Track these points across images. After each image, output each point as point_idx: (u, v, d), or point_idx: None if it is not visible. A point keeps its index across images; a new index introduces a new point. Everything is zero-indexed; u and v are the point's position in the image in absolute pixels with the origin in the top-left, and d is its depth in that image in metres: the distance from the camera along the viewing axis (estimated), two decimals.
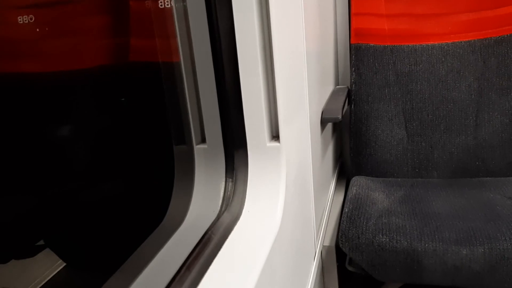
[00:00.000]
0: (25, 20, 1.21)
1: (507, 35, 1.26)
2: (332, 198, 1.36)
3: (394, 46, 1.31)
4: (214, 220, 0.66)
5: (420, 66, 1.30)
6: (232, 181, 0.70)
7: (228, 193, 0.69)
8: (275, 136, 0.71)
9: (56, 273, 1.19)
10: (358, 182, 1.21)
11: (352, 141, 1.36)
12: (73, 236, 1.02)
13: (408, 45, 1.31)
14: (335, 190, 1.43)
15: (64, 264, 1.20)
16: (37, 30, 1.19)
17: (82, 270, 1.16)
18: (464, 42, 1.28)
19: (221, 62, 0.69)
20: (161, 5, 1.04)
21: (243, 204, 0.67)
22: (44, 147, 1.00)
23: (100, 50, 1.15)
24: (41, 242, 1.11)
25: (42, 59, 1.13)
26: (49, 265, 1.20)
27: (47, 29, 1.18)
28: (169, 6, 0.82)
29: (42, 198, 1.01)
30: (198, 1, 0.69)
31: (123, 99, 1.05)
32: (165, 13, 0.79)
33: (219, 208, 0.68)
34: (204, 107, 0.72)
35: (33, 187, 1.01)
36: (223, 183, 0.70)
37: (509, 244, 0.89)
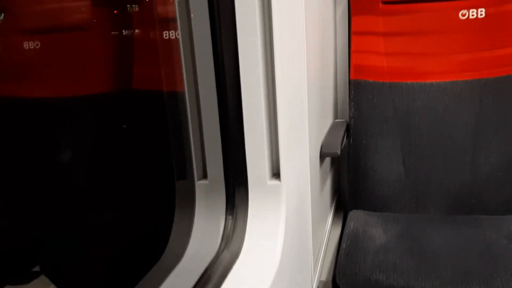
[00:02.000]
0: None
1: (503, 76, 1.29)
2: (329, 231, 1.36)
3: (392, 83, 1.34)
4: (213, 258, 0.66)
5: (418, 103, 1.32)
6: (232, 218, 0.70)
7: (228, 230, 0.69)
8: (276, 174, 0.71)
9: None
10: (356, 217, 1.21)
11: (350, 175, 1.36)
12: (70, 265, 1.01)
13: (407, 83, 1.33)
14: (332, 223, 1.43)
15: None
16: (42, 56, 1.21)
17: None
18: (461, 81, 1.31)
19: (225, 98, 0.70)
20: (166, 36, 1.06)
21: (243, 242, 0.68)
22: (44, 175, 1.00)
23: (102, 76, 1.16)
24: (37, 268, 1.10)
25: (47, 84, 1.14)
26: None
27: (53, 55, 1.19)
28: (174, 37, 0.83)
29: (42, 224, 1.01)
30: (204, 35, 0.70)
31: (124, 126, 1.06)
32: (171, 44, 0.81)
33: (218, 245, 0.68)
34: (207, 142, 0.73)
35: (33, 213, 1.01)
36: (223, 220, 0.70)
37: (505, 285, 0.89)
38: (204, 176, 0.73)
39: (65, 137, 1.04)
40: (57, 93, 1.12)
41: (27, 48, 1.20)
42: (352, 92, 1.36)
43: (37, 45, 1.20)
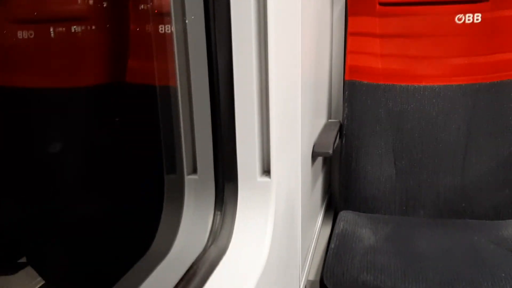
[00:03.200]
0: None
1: (497, 81, 1.29)
2: (319, 231, 1.36)
3: (387, 85, 1.34)
4: (200, 253, 0.65)
5: (412, 105, 1.32)
6: (220, 214, 0.70)
7: (216, 226, 0.69)
8: (266, 171, 0.71)
9: None
10: (346, 217, 1.22)
11: (341, 175, 1.36)
12: (56, 257, 1.00)
13: (401, 85, 1.33)
14: (322, 223, 1.43)
15: (43, 282, 1.17)
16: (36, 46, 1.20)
17: None
18: (455, 85, 1.31)
19: (218, 95, 0.70)
20: (162, 30, 1.05)
21: (230, 238, 0.67)
22: (33, 165, 0.99)
23: (96, 69, 1.16)
24: (23, 260, 1.09)
25: (39, 74, 1.13)
26: (28, 282, 1.17)
27: (46, 45, 1.18)
28: (169, 31, 0.82)
29: (28, 215, 1.00)
30: (198, 32, 0.70)
31: (117, 119, 1.05)
32: (165, 38, 0.80)
33: (206, 241, 0.68)
34: (198, 137, 0.72)
35: (19, 204, 1.00)
36: (212, 215, 0.70)
37: None
38: (194, 170, 0.73)
39: (54, 127, 1.03)
40: (49, 84, 1.11)
41: (21, 38, 1.18)
42: (346, 92, 1.36)
43: (31, 34, 1.19)
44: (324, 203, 1.51)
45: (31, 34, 1.18)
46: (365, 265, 0.98)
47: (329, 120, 1.50)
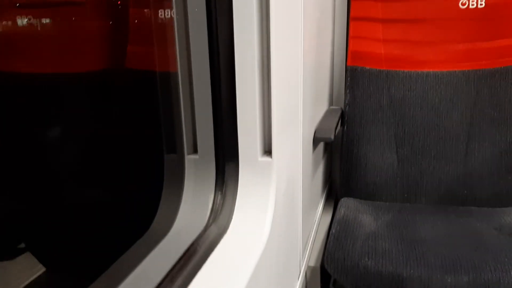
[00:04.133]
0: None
1: (501, 67, 1.28)
2: (319, 218, 1.36)
3: (389, 71, 1.33)
4: (200, 232, 0.64)
5: (414, 92, 1.31)
6: (221, 194, 0.69)
7: (217, 205, 0.68)
8: (267, 151, 0.70)
9: (35, 278, 1.16)
10: (347, 204, 1.21)
11: (342, 162, 1.36)
12: (55, 240, 0.99)
13: (403, 71, 1.32)
14: (323, 210, 1.42)
15: (44, 269, 1.17)
16: (35, 30, 1.19)
17: (62, 275, 1.13)
18: (459, 71, 1.30)
19: (218, 74, 0.69)
20: (162, 15, 1.04)
21: (231, 218, 0.67)
22: (29, 149, 0.98)
23: (96, 54, 1.15)
24: (22, 245, 1.08)
25: (36, 59, 1.12)
26: (28, 268, 1.17)
27: (44, 30, 1.17)
28: (170, 16, 0.82)
29: (26, 200, 0.99)
30: (199, 13, 0.69)
31: (116, 103, 1.04)
32: (166, 23, 0.79)
33: (206, 220, 0.67)
34: (198, 117, 0.72)
35: (17, 189, 0.99)
36: (212, 195, 0.69)
37: (494, 275, 0.89)
38: (194, 150, 0.72)
39: (54, 112, 1.02)
40: (48, 69, 1.10)
41: (20, 23, 1.17)
42: (348, 79, 1.35)
43: (29, 19, 1.18)
44: (325, 190, 1.51)
45: (29, 19, 1.17)
46: (366, 250, 0.98)
47: (331, 107, 1.49)
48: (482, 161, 1.26)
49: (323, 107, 1.36)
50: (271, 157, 0.69)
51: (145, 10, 1.21)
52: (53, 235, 0.97)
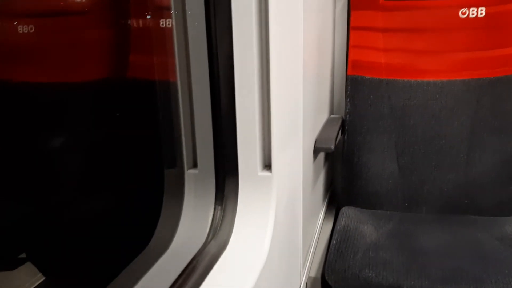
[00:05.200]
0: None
1: (501, 76, 1.28)
2: (320, 227, 1.35)
3: (389, 80, 1.33)
4: (200, 248, 0.64)
5: (415, 101, 1.31)
6: (221, 209, 0.69)
7: (217, 220, 0.68)
8: (267, 165, 0.70)
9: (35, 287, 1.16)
10: (348, 213, 1.21)
11: (343, 171, 1.35)
12: (56, 252, 0.99)
13: (404, 80, 1.32)
14: (324, 219, 1.42)
15: (43, 278, 1.17)
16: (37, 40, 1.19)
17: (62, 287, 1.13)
18: (459, 80, 1.30)
19: (218, 88, 0.69)
20: (162, 25, 1.05)
21: (231, 233, 0.66)
22: (31, 160, 0.98)
23: (95, 64, 1.15)
24: (23, 255, 1.08)
25: (38, 69, 1.12)
26: (29, 278, 1.17)
27: (46, 40, 1.17)
28: (170, 26, 0.81)
29: (28, 210, 0.99)
30: (199, 26, 0.69)
31: (117, 114, 1.04)
32: (165, 32, 0.79)
33: (206, 235, 0.67)
34: (198, 131, 0.72)
35: (19, 200, 0.99)
36: (212, 210, 0.69)
37: (496, 286, 0.89)
38: (194, 165, 0.72)
39: (54, 122, 1.02)
40: (49, 78, 1.10)
41: (21, 32, 1.18)
42: (349, 88, 1.35)
43: (31, 29, 1.18)
44: (326, 199, 1.50)
45: (31, 29, 1.17)
46: (367, 262, 0.97)
47: (331, 116, 1.49)
48: (483, 170, 1.26)
49: (324, 116, 1.36)
50: (271, 172, 0.68)
51: (145, 20, 1.21)
52: (53, 249, 0.97)
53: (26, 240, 1.04)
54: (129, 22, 1.19)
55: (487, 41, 1.29)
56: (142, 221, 0.77)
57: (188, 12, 0.69)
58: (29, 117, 0.99)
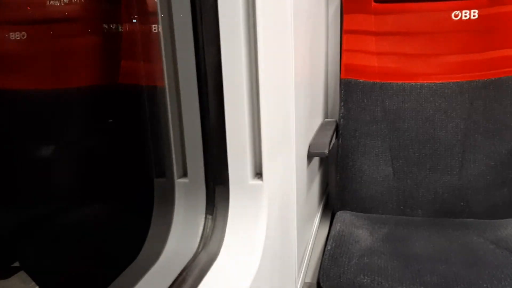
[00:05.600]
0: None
1: (494, 78, 1.27)
2: (316, 232, 1.35)
3: (383, 83, 1.32)
4: (191, 259, 0.64)
5: (408, 104, 1.31)
6: (211, 218, 0.68)
7: (207, 230, 0.67)
8: (258, 173, 0.69)
9: None
10: (343, 218, 1.20)
11: (338, 175, 1.35)
12: (49, 261, 0.98)
13: (397, 83, 1.32)
14: (319, 224, 1.41)
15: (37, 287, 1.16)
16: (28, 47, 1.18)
17: None
18: (452, 83, 1.29)
19: (207, 96, 0.68)
20: (149, 30, 1.04)
21: (222, 243, 0.66)
22: (23, 168, 0.97)
23: (81, 70, 1.14)
24: (16, 264, 1.07)
25: (27, 76, 1.12)
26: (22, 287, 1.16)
27: (37, 47, 1.16)
28: (156, 31, 0.81)
29: (20, 220, 0.98)
30: (186, 32, 0.68)
31: (106, 122, 1.03)
32: (152, 38, 0.79)
33: (196, 246, 0.66)
34: (188, 140, 0.71)
35: (11, 208, 0.98)
36: (203, 219, 0.68)
37: None
38: (184, 174, 0.71)
39: (43, 130, 1.01)
40: (39, 85, 1.09)
41: (13, 39, 1.17)
42: (343, 91, 1.35)
43: (23, 36, 1.17)
44: (321, 204, 1.50)
45: (23, 36, 1.16)
46: (362, 268, 0.97)
47: (326, 120, 1.49)
48: (477, 172, 1.25)
49: (318, 120, 1.35)
50: (262, 180, 0.68)
51: (131, 24, 1.20)
52: (45, 258, 0.96)
53: (19, 248, 1.04)
54: (114, 28, 1.18)
55: (480, 43, 1.29)
56: (132, 231, 0.77)
57: (175, 18, 0.68)
58: (12, 125, 0.98)
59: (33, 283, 1.15)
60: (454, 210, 1.26)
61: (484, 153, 1.26)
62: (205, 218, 0.68)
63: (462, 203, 1.25)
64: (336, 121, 1.41)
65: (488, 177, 1.25)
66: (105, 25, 1.19)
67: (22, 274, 1.09)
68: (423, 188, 1.28)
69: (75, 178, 0.98)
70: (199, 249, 0.66)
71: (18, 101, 1.03)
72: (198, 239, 0.67)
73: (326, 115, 1.54)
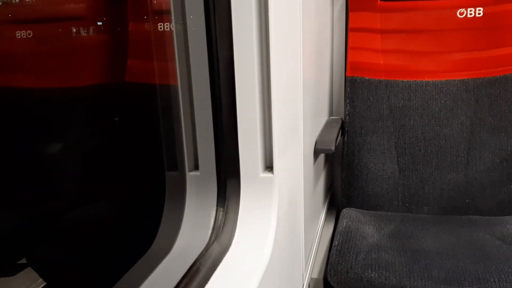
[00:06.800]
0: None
1: (499, 76, 1.28)
2: (321, 229, 1.35)
3: (388, 81, 1.33)
4: (203, 251, 0.64)
5: (414, 101, 1.31)
6: (223, 211, 0.69)
7: (219, 222, 0.68)
8: (269, 167, 0.70)
9: None
10: (349, 215, 1.20)
11: (344, 172, 1.35)
12: (57, 257, 0.99)
13: (403, 81, 1.32)
14: (325, 221, 1.42)
15: (44, 284, 1.16)
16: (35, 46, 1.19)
17: None
18: (458, 80, 1.30)
19: (219, 90, 0.69)
20: (161, 28, 1.05)
21: (233, 235, 0.66)
22: (32, 164, 0.98)
23: (95, 69, 1.15)
24: (23, 261, 1.08)
25: (38, 74, 1.12)
26: (29, 284, 1.16)
27: (45, 45, 1.17)
28: (169, 29, 0.82)
29: (29, 216, 0.99)
30: (199, 30, 0.69)
31: (116, 119, 1.04)
32: (165, 36, 0.79)
33: (208, 237, 0.67)
34: (199, 133, 0.72)
35: (19, 205, 0.99)
36: (214, 212, 0.69)
37: (498, 286, 0.89)
38: (196, 167, 0.72)
39: (56, 127, 1.02)
40: (48, 84, 1.10)
41: (19, 37, 1.18)
42: (348, 89, 1.35)
43: (29, 34, 1.18)
44: (327, 201, 1.50)
45: (29, 34, 1.17)
46: (370, 263, 0.97)
47: (331, 117, 1.49)
48: (483, 169, 1.26)
49: (324, 117, 1.36)
50: (273, 173, 0.68)
51: (144, 24, 1.21)
52: (54, 254, 0.97)
53: (27, 245, 1.04)
54: (129, 27, 1.19)
55: (485, 41, 1.30)
56: (144, 223, 0.77)
57: (188, 16, 0.69)
58: (21, 123, 0.99)
59: (41, 279, 1.15)
60: (460, 207, 1.26)
61: (490, 150, 1.26)
62: (217, 210, 0.69)
63: (467, 200, 1.26)
64: (341, 118, 1.42)
65: (493, 174, 1.25)
66: (123, 26, 1.20)
67: (29, 271, 1.10)
68: (428, 186, 1.29)
69: (87, 172, 0.99)
70: (211, 241, 0.66)
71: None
72: (210, 231, 0.67)
73: (331, 113, 1.55)
